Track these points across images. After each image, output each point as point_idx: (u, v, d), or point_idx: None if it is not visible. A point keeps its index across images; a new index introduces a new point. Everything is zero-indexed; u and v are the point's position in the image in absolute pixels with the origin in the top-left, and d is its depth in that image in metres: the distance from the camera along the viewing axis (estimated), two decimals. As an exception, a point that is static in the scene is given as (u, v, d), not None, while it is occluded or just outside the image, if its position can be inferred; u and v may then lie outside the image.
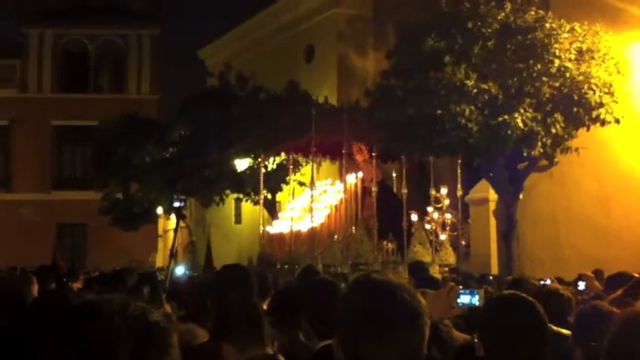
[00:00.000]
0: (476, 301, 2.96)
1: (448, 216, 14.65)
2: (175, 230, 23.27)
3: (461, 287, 3.18)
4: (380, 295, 1.97)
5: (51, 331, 1.24)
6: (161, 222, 29.94)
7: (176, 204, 20.99)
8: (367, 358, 1.90)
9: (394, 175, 16.39)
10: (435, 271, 12.92)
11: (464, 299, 2.98)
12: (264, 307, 4.85)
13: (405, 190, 14.37)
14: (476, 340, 3.03)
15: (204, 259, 21.25)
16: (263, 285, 5.64)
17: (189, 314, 4.91)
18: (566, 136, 12.30)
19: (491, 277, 10.21)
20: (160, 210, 25.70)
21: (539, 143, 12.00)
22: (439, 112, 11.72)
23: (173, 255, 19.39)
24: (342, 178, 15.98)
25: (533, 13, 12.58)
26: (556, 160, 12.86)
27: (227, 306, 3.26)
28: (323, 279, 4.80)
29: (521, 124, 11.55)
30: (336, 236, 14.80)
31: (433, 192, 14.54)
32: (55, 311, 1.38)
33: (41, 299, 4.19)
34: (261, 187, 17.44)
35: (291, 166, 17.74)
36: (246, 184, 21.49)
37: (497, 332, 2.78)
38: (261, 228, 17.36)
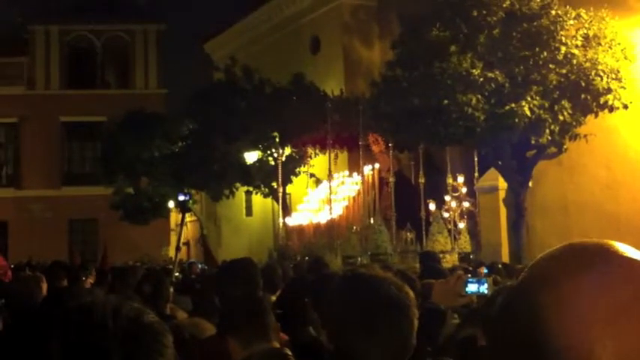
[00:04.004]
0: (484, 289, 2.98)
1: (466, 204, 14.67)
2: (181, 224, 23.29)
3: (469, 275, 3.21)
4: (364, 289, 2.00)
5: (46, 335, 1.25)
6: (173, 216, 30.04)
7: (181, 197, 21.03)
8: (355, 350, 1.94)
9: (412, 163, 16.40)
10: (455, 259, 12.98)
11: (472, 288, 3.00)
12: (274, 299, 4.90)
13: (422, 180, 14.43)
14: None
15: (208, 254, 21.24)
16: (272, 278, 5.68)
17: (198, 308, 4.94)
18: (574, 123, 12.24)
19: (500, 266, 10.19)
20: (171, 204, 25.80)
21: (547, 131, 11.95)
22: (445, 102, 11.70)
23: (179, 249, 19.39)
24: (359, 170, 15.99)
25: (538, 0, 12.52)
26: (565, 147, 12.80)
27: (230, 301, 3.29)
28: (332, 273, 4.81)
29: (528, 112, 11.51)
30: (354, 227, 14.79)
31: (450, 180, 14.57)
32: (55, 314, 1.40)
33: (48, 300, 4.21)
34: (280, 179, 17.52)
35: (310, 158, 17.84)
36: (254, 177, 21.51)
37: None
38: (281, 221, 17.37)
